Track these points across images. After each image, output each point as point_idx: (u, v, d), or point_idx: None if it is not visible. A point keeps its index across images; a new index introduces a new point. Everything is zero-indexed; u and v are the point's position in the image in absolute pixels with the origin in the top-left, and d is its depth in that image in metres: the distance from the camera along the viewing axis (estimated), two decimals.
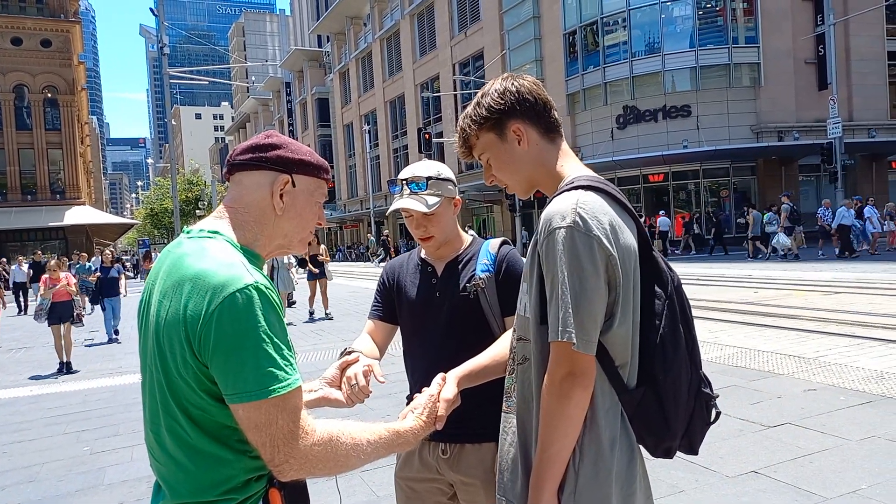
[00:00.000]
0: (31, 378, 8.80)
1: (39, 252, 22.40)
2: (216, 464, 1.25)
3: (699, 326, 8.95)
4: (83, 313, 8.53)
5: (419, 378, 1.97)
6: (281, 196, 1.39)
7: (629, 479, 1.41)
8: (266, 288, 1.25)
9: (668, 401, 1.40)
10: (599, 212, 1.37)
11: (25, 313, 18.87)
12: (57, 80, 44.41)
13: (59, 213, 42.32)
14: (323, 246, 13.53)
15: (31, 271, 20.37)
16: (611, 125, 29.36)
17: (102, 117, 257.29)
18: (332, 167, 63.72)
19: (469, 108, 1.61)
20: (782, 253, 19.23)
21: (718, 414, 1.51)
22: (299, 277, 14.56)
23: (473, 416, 1.84)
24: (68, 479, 4.71)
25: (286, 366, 1.23)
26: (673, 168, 28.57)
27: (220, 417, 1.24)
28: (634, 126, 28.73)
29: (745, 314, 9.90)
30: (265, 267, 6.33)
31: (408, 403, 1.69)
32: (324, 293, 13.16)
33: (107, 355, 9.93)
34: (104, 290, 11.94)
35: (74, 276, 11.35)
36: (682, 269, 18.15)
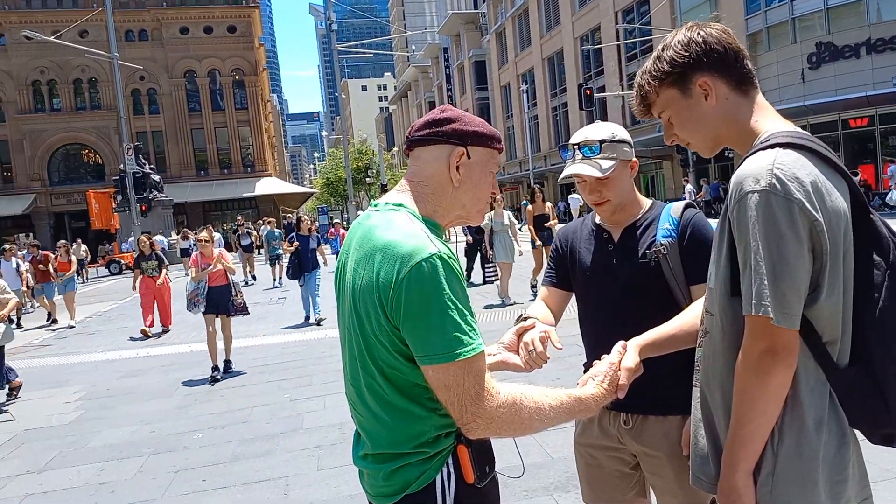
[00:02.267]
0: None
1: (241, 217, 23.36)
2: (410, 419, 1.36)
3: None
4: (242, 299, 7.35)
5: (594, 346, 1.95)
6: (457, 168, 1.44)
7: (839, 464, 1.28)
8: (448, 257, 1.32)
9: (889, 382, 1.25)
10: (801, 172, 1.23)
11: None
12: (242, 62, 48.73)
13: (250, 184, 46.94)
14: (549, 204, 10.88)
15: (234, 237, 20.74)
16: (801, 66, 26.24)
17: (281, 94, 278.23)
18: None
19: (648, 63, 1.50)
20: None
21: None
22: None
23: (657, 387, 1.80)
24: (273, 422, 5.33)
25: (470, 331, 1.30)
26: (880, 110, 25.02)
27: (411, 377, 1.34)
28: (830, 65, 25.44)
29: None
30: (486, 231, 6.60)
31: (585, 371, 1.69)
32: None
33: (298, 312, 10.86)
34: (303, 264, 9.93)
35: (263, 244, 12.21)
36: None
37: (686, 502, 1.86)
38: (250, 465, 4.43)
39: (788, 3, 26.41)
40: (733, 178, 1.29)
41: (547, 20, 47.72)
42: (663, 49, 1.46)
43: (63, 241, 14.18)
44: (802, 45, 26.21)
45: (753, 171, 1.25)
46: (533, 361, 1.67)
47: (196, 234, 8.21)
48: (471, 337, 1.30)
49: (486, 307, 9.93)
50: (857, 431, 1.35)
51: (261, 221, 22.29)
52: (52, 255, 13.13)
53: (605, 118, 36.37)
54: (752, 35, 28.36)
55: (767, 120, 1.40)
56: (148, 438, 5.20)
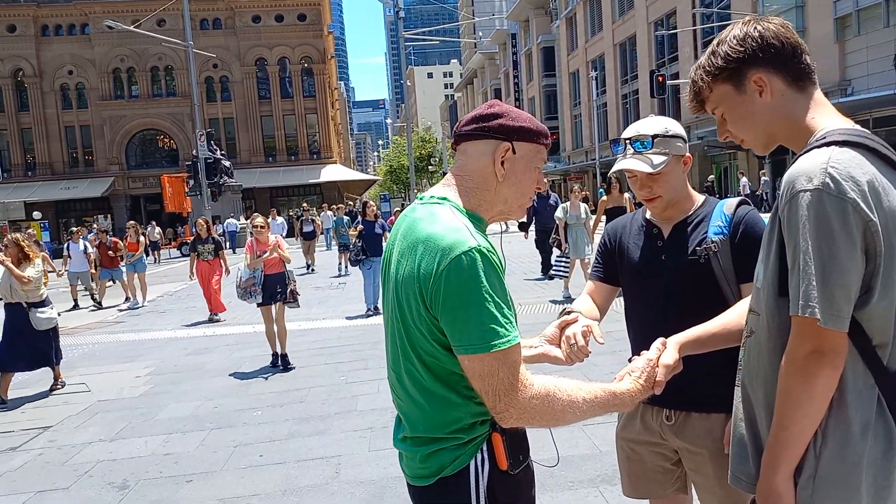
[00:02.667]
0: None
1: (306, 204, 22.35)
2: (446, 406, 1.40)
3: None
4: (296, 289, 7.13)
5: (640, 342, 1.92)
6: (502, 163, 1.46)
7: (885, 469, 1.25)
8: (488, 251, 1.35)
9: None
10: (856, 171, 1.19)
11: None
12: (311, 50, 49.69)
13: (315, 171, 47.99)
14: (628, 195, 9.58)
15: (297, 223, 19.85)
16: (893, 51, 24.69)
17: (348, 82, 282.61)
18: (556, 118, 62.47)
19: (703, 58, 1.48)
20: None
21: None
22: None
23: (700, 385, 1.78)
24: (329, 402, 5.49)
25: (506, 323, 1.33)
26: None
27: (449, 365, 1.38)
28: None
29: None
30: (560, 224, 6.44)
31: None
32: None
33: (357, 297, 11.04)
34: (368, 248, 9.55)
35: (332, 231, 12.17)
36: None
37: (726, 501, 1.84)
38: (305, 443, 4.58)
39: None
40: (785, 177, 1.26)
41: (620, 4, 46.53)
42: (718, 44, 1.44)
43: (132, 222, 14.23)
44: (895, 30, 24.63)
45: (807, 169, 1.22)
46: (574, 355, 1.67)
47: (252, 219, 7.40)
48: (507, 329, 1.32)
49: (552, 301, 9.62)
50: None
51: (322, 208, 22.19)
52: (121, 242, 13.27)
53: (677, 107, 35.26)
54: (840, 19, 26.80)
55: (824, 117, 1.36)
56: (211, 413, 5.44)
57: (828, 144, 1.25)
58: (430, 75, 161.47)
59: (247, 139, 48.87)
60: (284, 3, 48.86)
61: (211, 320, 10.29)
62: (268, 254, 6.84)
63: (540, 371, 1.47)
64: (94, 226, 24.44)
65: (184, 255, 28.34)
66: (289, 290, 6.99)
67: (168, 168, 43.89)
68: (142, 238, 13.70)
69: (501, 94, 75.61)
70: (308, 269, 17.09)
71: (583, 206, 9.86)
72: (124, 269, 13.14)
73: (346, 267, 15.36)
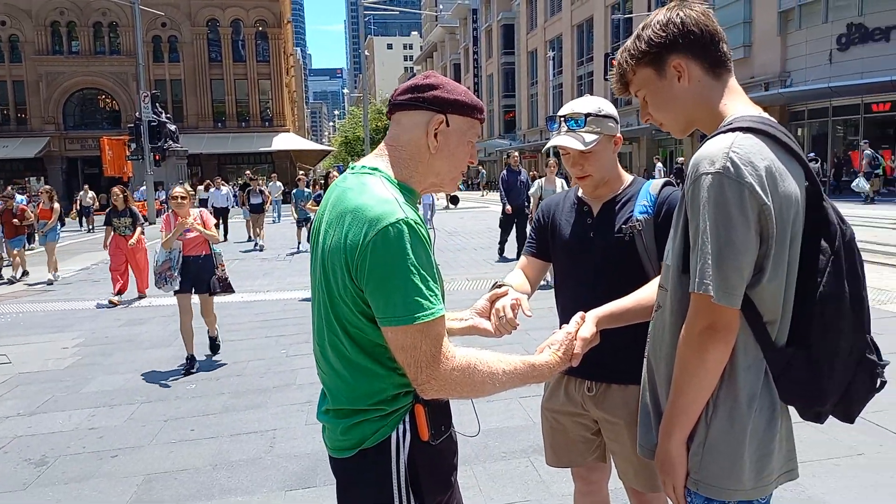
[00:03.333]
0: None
1: (248, 173, 19.92)
2: (370, 377, 1.40)
3: None
4: (226, 275, 5.99)
5: (568, 317, 1.96)
6: (435, 135, 1.45)
7: (767, 438, 1.34)
8: (416, 223, 1.34)
9: (822, 364, 1.30)
10: (756, 156, 1.26)
11: (225, 239, 16.10)
12: (266, 14, 48.24)
13: (267, 139, 46.90)
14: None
15: (242, 193, 17.96)
16: (830, 46, 25.54)
17: (305, 49, 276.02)
18: (513, 96, 62.57)
19: (628, 42, 1.51)
20: (863, 197, 20.13)
21: (884, 383, 1.37)
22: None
23: (621, 357, 1.85)
24: (267, 376, 5.42)
25: (431, 296, 1.33)
26: None
27: (373, 336, 1.37)
28: (859, 47, 24.76)
29: None
30: (535, 199, 6.23)
31: None
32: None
33: (304, 269, 10.92)
34: None
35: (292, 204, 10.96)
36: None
37: (641, 468, 1.93)
38: (240, 417, 4.51)
39: None
40: (692, 159, 1.32)
41: None
42: (643, 28, 1.47)
43: (47, 187, 12.86)
44: (833, 26, 25.48)
45: (711, 153, 1.27)
46: (503, 327, 1.70)
47: (171, 189, 6.10)
48: (431, 302, 1.33)
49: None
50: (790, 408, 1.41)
51: (272, 178, 20.84)
52: (30, 209, 12.01)
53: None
54: (784, 12, 27.59)
55: (736, 104, 1.42)
56: (142, 387, 5.30)
57: (733, 130, 1.31)
58: (389, 46, 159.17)
59: (195, 103, 47.31)
60: None
61: (112, 303, 8.96)
62: (176, 228, 5.68)
63: (474, 344, 1.48)
64: (28, 188, 23.19)
65: None
66: (214, 278, 5.84)
67: (109, 130, 42.07)
68: (56, 205, 12.45)
69: (461, 70, 75.19)
70: (256, 246, 15.41)
71: (559, 181, 9.74)
72: (37, 237, 11.75)
73: (304, 243, 14.45)
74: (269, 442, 4.05)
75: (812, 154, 23.99)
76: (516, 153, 11.60)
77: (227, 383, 5.28)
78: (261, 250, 14.88)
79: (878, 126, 26.03)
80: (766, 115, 1.38)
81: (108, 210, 9.75)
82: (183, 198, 5.81)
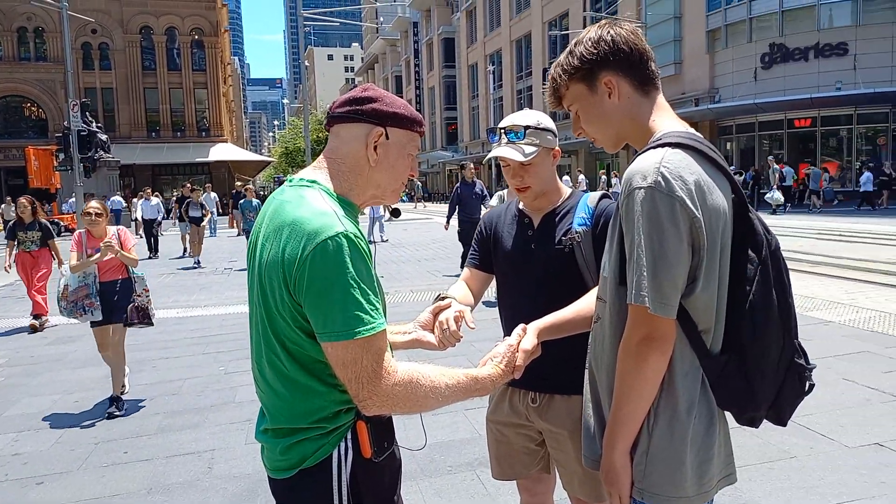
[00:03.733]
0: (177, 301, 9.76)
1: (188, 185, 17.47)
2: (309, 394, 1.37)
3: (834, 286, 8.41)
4: (148, 304, 5.12)
5: (511, 327, 1.98)
6: (375, 148, 1.44)
7: (706, 444, 1.38)
8: (356, 236, 1.32)
9: (755, 369, 1.35)
10: (685, 171, 1.30)
11: (156, 256, 16.09)
12: (203, 22, 47.22)
13: (204, 149, 45.75)
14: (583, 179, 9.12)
15: (179, 207, 16.19)
16: (754, 65, 26.95)
17: (243, 58, 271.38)
18: (455, 108, 63.13)
19: (561, 57, 1.54)
20: (773, 208, 21.76)
21: (812, 386, 1.43)
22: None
23: (563, 368, 1.87)
24: (205, 394, 5.24)
25: (372, 310, 1.31)
26: (822, 112, 25.96)
27: (313, 352, 1.34)
28: (781, 66, 26.20)
29: (889, 275, 9.02)
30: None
31: None
32: None
33: (243, 283, 10.68)
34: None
35: (237, 214, 10.50)
36: (825, 224, 16.72)
37: (585, 479, 1.95)
38: (176, 437, 4.34)
39: (747, 3, 27.02)
40: (625, 174, 1.35)
41: (517, 2, 47.64)
42: (575, 45, 1.50)
43: None
44: (757, 45, 26.92)
45: (642, 168, 1.31)
46: (446, 340, 1.70)
47: (86, 204, 5.36)
48: (372, 316, 1.31)
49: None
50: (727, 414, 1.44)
51: (206, 188, 19.59)
52: None
53: None
54: (711, 31, 28.92)
55: (664, 120, 1.46)
56: (71, 408, 5.04)
57: (662, 146, 1.35)
58: (330, 57, 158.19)
59: (127, 112, 45.77)
60: None
61: (33, 328, 7.93)
62: (100, 254, 4.92)
63: (418, 357, 1.48)
64: None
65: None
66: (131, 306, 4.99)
67: (35, 139, 40.20)
68: None
69: (402, 82, 75.32)
70: (196, 263, 14.15)
71: (499, 193, 9.74)
72: None
73: None
74: (208, 463, 3.92)
75: (733, 167, 25.26)
76: (472, 164, 11.63)
77: (161, 403, 5.08)
78: (198, 265, 14.07)
79: (801, 140, 27.55)
80: (692, 130, 1.43)
81: (11, 223, 8.49)
82: (98, 214, 5.04)
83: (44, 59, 43.73)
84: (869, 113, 25.14)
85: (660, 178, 1.28)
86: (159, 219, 16.92)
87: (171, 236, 18.89)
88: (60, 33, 33.36)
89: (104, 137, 30.81)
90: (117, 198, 26.81)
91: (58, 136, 29.26)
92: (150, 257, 15.79)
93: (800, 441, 3.77)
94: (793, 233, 15.12)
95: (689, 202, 1.27)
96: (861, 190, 22.48)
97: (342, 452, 1.39)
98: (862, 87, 23.75)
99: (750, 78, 27.02)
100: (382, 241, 17.30)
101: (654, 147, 1.36)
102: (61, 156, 27.78)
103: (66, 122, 26.18)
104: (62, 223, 26.56)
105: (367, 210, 15.82)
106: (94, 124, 29.11)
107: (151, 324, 5.17)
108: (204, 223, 15.70)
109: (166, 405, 5.02)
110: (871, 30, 24.26)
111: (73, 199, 24.88)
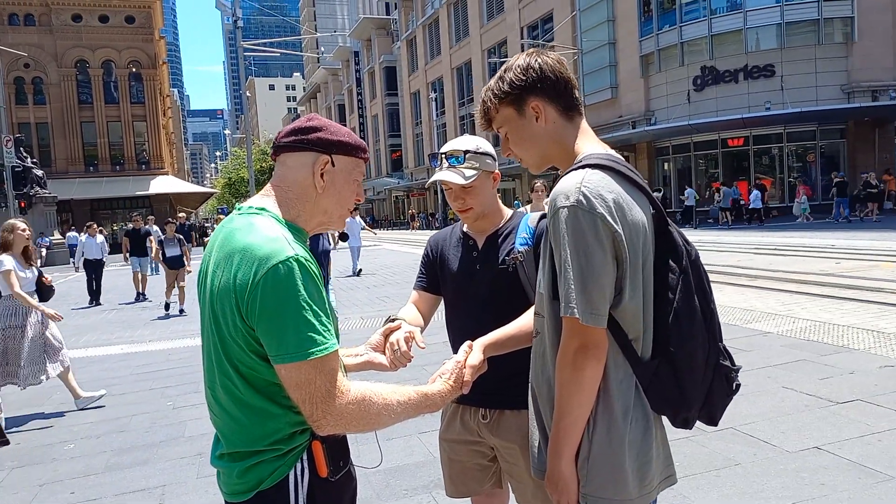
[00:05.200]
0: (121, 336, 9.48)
1: (138, 217, 15.79)
2: (265, 417, 1.39)
3: (771, 298, 8.79)
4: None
5: (459, 345, 2.03)
6: (321, 175, 1.49)
7: (644, 447, 1.44)
8: (306, 260, 1.36)
9: (683, 372, 1.43)
10: (604, 189, 1.38)
11: (98, 303, 13.88)
12: (140, 55, 46.41)
13: (144, 182, 44.64)
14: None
15: (129, 241, 14.79)
16: (687, 87, 28.18)
17: (183, 90, 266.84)
18: (399, 135, 63.52)
19: (492, 82, 1.63)
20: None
21: (738, 386, 1.52)
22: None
23: (512, 384, 1.91)
24: (153, 430, 5.11)
25: (324, 331, 1.34)
26: (754, 132, 27.27)
27: (267, 375, 1.37)
28: (713, 88, 27.48)
29: (823, 286, 9.47)
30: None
31: None
32: None
33: (190, 317, 10.46)
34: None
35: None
36: (756, 239, 17.46)
37: (537, 491, 1.98)
38: (125, 475, 4.23)
39: (678, 28, 28.27)
40: (551, 194, 1.44)
41: (456, 31, 48.58)
42: (505, 71, 1.60)
43: None
44: (689, 68, 28.17)
45: (565, 188, 1.40)
46: (398, 361, 1.74)
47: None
48: (324, 337, 1.34)
49: None
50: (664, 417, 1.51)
51: (148, 221, 17.06)
52: None
53: None
54: (645, 56, 30.10)
55: (587, 143, 1.56)
56: (12, 451, 4.83)
57: (583, 167, 1.44)
58: (271, 87, 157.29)
59: (64, 146, 44.40)
60: (110, 3, 45.34)
61: None
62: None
63: (370, 379, 1.49)
64: None
65: None
66: None
67: None
68: None
69: (345, 110, 75.41)
70: (178, 311, 11.65)
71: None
72: None
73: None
74: (159, 499, 3.82)
75: (658, 187, 26.51)
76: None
77: (109, 440, 4.93)
78: (181, 313, 11.54)
79: (735, 158, 28.77)
80: (612, 152, 1.54)
81: None
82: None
83: None
84: (798, 131, 26.53)
85: (581, 197, 1.36)
86: (104, 258, 14.55)
87: (121, 274, 17.82)
88: None
89: (40, 173, 29.85)
90: (73, 233, 25.30)
91: None
92: (90, 304, 13.79)
93: (744, 448, 3.90)
94: (731, 248, 15.75)
95: (609, 218, 1.35)
96: (750, 206, 23.93)
97: (298, 473, 1.41)
98: (790, 106, 25.08)
99: (683, 100, 28.21)
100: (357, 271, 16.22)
101: (575, 169, 1.45)
102: None
103: None
104: None
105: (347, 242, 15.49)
106: (28, 160, 28.17)
107: (8, 442, 4.87)
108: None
109: (114, 443, 4.87)
110: (796, 52, 25.75)
111: None
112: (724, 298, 8.74)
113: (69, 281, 19.83)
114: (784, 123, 26.08)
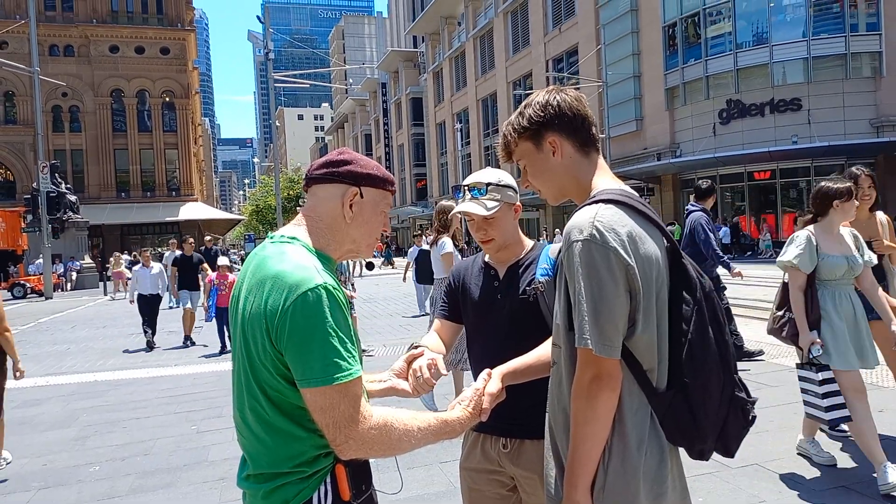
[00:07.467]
0: (148, 361, 9.62)
1: (188, 239, 12.16)
2: (290, 440, 1.44)
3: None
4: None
5: (479, 373, 2.07)
6: (350, 206, 1.56)
7: (659, 478, 1.45)
8: (334, 288, 1.42)
9: (698, 404, 1.44)
10: (617, 224, 1.43)
11: (153, 345, 10.75)
12: (174, 85, 47.76)
13: (174, 208, 45.55)
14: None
15: (177, 271, 11.38)
16: (713, 120, 28.11)
17: (214, 119, 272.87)
18: (424, 165, 64.02)
19: (512, 117, 1.70)
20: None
21: (754, 418, 1.53)
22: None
23: (533, 414, 1.93)
24: (177, 454, 5.17)
25: (349, 357, 1.39)
26: (781, 165, 27.03)
27: (294, 399, 1.42)
28: (739, 121, 27.39)
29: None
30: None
31: None
32: None
33: (213, 341, 10.59)
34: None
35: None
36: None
37: None
38: (148, 498, 4.28)
39: (703, 62, 28.31)
40: (566, 228, 1.49)
41: (482, 64, 49.23)
42: (525, 107, 1.67)
43: None
44: (714, 102, 28.12)
45: (579, 223, 1.45)
46: (420, 387, 1.77)
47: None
48: (349, 363, 1.39)
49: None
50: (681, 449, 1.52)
51: (170, 245, 16.17)
52: None
53: None
54: (670, 89, 30.16)
55: (601, 178, 1.62)
56: (39, 472, 4.93)
57: (597, 202, 1.49)
58: (300, 117, 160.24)
59: (97, 173, 45.62)
60: (146, 35, 46.92)
61: None
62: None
63: (390, 404, 1.53)
64: None
65: (15, 297, 25.53)
66: None
67: (2, 201, 39.72)
68: None
69: (372, 140, 76.48)
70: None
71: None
72: None
73: None
74: None
75: (671, 221, 26.53)
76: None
77: (133, 463, 5.00)
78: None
79: (761, 192, 28.48)
80: (626, 188, 1.58)
81: None
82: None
83: (13, 122, 43.72)
84: (825, 165, 26.18)
85: (594, 231, 1.41)
86: (160, 293, 11.37)
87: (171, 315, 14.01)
88: (31, 97, 33.48)
89: (73, 198, 30.66)
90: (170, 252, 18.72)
91: (26, 198, 28.99)
92: (147, 348, 10.67)
93: (768, 485, 3.82)
94: (757, 282, 15.54)
95: (622, 251, 1.39)
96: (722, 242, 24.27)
97: (322, 495, 1.44)
98: (817, 140, 24.85)
99: (709, 133, 28.13)
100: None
101: (589, 204, 1.50)
102: (29, 217, 27.47)
103: (35, 184, 26.01)
104: (28, 285, 26.04)
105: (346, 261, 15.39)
106: (62, 185, 28.96)
107: None
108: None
109: (138, 466, 4.94)
110: (823, 86, 25.57)
111: (41, 261, 24.48)
112: (750, 333, 8.62)
113: (97, 305, 20.20)
114: (812, 157, 25.80)
